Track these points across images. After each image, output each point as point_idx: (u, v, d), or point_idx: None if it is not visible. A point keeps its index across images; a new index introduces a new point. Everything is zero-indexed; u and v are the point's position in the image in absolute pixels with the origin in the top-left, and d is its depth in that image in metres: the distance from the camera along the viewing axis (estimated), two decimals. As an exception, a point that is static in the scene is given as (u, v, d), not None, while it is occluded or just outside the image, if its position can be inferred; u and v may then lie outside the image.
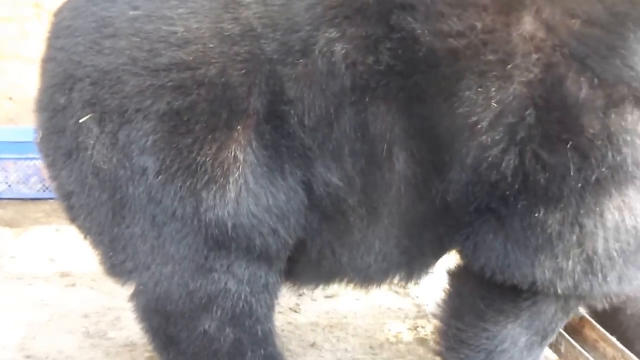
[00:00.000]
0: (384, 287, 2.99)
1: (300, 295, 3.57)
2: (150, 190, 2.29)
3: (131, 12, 2.32)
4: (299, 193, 2.33)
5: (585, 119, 2.15)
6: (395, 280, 2.63)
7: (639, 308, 2.98)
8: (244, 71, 2.22)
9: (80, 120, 2.31)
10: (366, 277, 2.58)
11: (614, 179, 2.17)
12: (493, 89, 2.19)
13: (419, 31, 2.20)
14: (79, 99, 2.31)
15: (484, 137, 2.21)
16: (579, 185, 2.18)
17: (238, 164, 2.23)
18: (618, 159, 2.15)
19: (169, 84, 2.23)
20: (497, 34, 2.20)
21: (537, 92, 2.18)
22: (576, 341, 3.03)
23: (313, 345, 3.30)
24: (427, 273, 2.67)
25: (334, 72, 2.21)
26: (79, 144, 2.34)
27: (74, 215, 2.53)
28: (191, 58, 2.22)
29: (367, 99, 2.23)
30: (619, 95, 2.14)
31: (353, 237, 2.41)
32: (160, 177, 2.26)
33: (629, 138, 2.14)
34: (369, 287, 2.67)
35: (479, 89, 2.19)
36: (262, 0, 2.28)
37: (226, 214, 2.26)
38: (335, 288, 3.33)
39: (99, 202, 2.37)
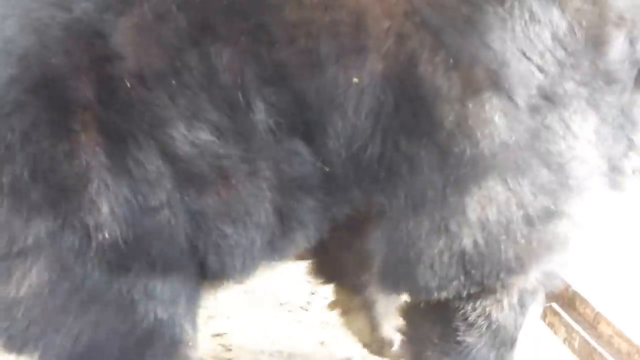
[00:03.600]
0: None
1: (312, 293, 3.56)
2: (49, 228, 1.97)
3: None
4: (161, 169, 2.01)
5: (441, 110, 2.02)
6: (276, 258, 2.33)
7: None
8: (65, 53, 1.96)
9: None
10: (252, 260, 2.23)
11: (473, 174, 2.05)
12: (350, 60, 2.01)
13: None
14: None
15: (351, 119, 2.05)
16: (441, 185, 2.07)
17: (92, 169, 1.96)
18: (476, 153, 2.02)
19: (11, 108, 1.95)
20: None
21: (393, 70, 2.01)
22: (590, 337, 3.03)
23: (322, 344, 3.25)
24: (307, 246, 2.38)
25: (165, 15, 1.98)
26: None
27: None
28: (17, 70, 1.96)
29: (209, 41, 2.00)
30: (476, 80, 1.99)
31: (240, 203, 2.10)
32: (48, 208, 1.98)
33: (487, 130, 2.01)
34: (252, 273, 2.32)
35: (338, 58, 2.01)
36: None
37: (111, 231, 1.98)
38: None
39: None
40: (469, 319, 2.37)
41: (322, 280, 3.08)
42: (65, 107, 1.96)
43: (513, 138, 2.04)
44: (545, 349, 3.21)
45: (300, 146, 2.09)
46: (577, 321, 3.15)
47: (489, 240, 2.13)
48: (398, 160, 2.08)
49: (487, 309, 2.35)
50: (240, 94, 2.01)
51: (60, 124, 1.96)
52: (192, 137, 2.01)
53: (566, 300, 3.27)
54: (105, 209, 1.97)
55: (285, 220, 2.18)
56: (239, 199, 2.09)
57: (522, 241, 2.14)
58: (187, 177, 2.04)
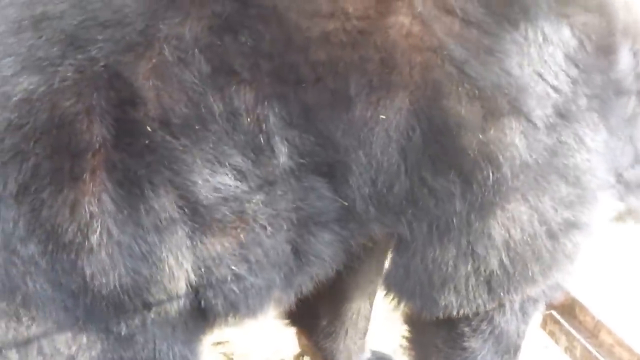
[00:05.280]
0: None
1: None
2: (48, 276, 1.93)
3: None
4: (175, 216, 1.96)
5: (466, 139, 2.05)
6: (295, 293, 2.31)
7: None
8: (77, 95, 1.85)
9: None
10: (269, 298, 2.21)
11: (497, 197, 2.09)
12: (379, 97, 2.02)
13: (280, 7, 1.99)
14: None
15: (378, 157, 2.06)
16: (466, 212, 2.11)
17: (95, 218, 1.87)
18: (499, 177, 2.06)
19: (8, 156, 1.84)
20: (373, 22, 2.02)
21: (420, 104, 2.03)
22: (592, 345, 3.06)
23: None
24: (325, 278, 2.36)
25: (186, 59, 1.93)
26: None
27: None
28: (16, 114, 1.83)
29: (232, 84, 1.95)
30: (497, 107, 2.04)
31: (258, 245, 2.08)
32: (46, 259, 1.90)
33: (508, 153, 2.05)
34: (264, 312, 2.27)
35: (366, 96, 2.01)
36: (77, 3, 1.93)
37: (108, 279, 1.93)
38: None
39: None
40: (473, 323, 2.40)
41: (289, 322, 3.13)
42: (72, 153, 1.85)
43: (533, 157, 2.08)
44: (547, 358, 3.21)
45: (319, 183, 2.08)
46: (577, 330, 3.16)
47: (515, 258, 2.18)
48: (424, 195, 2.10)
49: (490, 313, 2.38)
50: (263, 138, 1.97)
51: (63, 171, 1.85)
52: (215, 182, 1.96)
53: (566, 308, 3.29)
54: (104, 257, 1.90)
55: (302, 257, 2.16)
56: (257, 241, 2.06)
57: (547, 255, 2.20)
58: (204, 223, 1.98)
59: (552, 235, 2.19)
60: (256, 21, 1.98)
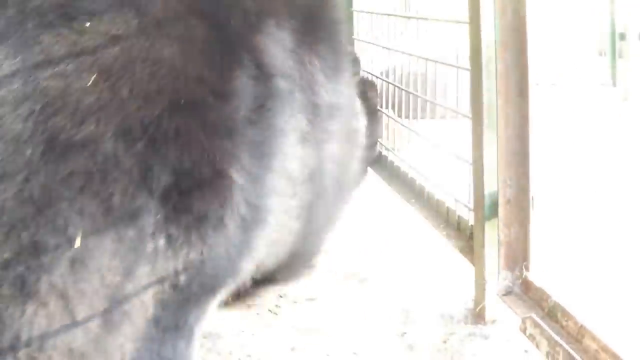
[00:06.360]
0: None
1: (280, 296, 3.40)
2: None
3: None
4: (287, 188, 2.31)
5: None
6: None
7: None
8: (221, 76, 2.01)
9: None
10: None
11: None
12: None
13: None
14: None
15: None
16: None
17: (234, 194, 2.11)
18: None
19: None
20: None
21: None
22: (575, 351, 2.94)
23: (293, 349, 3.08)
24: None
25: (279, 36, 2.17)
26: None
27: None
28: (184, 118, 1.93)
29: (298, 52, 2.38)
30: None
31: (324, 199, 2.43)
32: None
33: None
34: None
35: None
36: None
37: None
38: (316, 290, 3.32)
39: None
40: None
41: None
42: (220, 136, 1.95)
43: None
44: (528, 363, 3.07)
45: None
46: (559, 334, 3.03)
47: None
48: None
49: None
50: (315, 97, 2.24)
51: (210, 158, 1.92)
52: (296, 148, 2.17)
53: (547, 311, 3.16)
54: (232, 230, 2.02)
55: None
56: (321, 197, 2.36)
57: None
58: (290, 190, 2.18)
59: None
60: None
